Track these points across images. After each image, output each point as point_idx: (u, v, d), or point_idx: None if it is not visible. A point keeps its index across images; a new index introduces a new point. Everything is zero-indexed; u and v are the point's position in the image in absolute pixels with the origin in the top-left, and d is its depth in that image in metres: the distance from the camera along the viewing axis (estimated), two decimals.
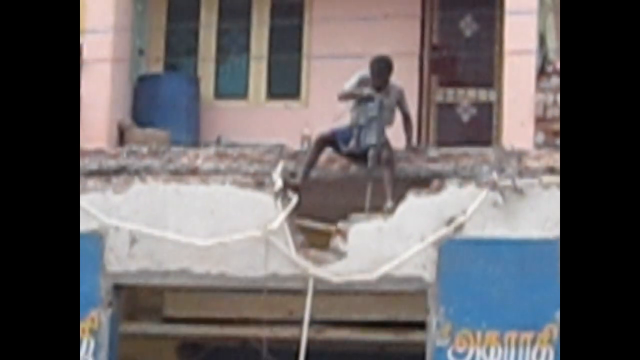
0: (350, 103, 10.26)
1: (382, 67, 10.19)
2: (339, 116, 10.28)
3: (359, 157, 10.03)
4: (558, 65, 11.05)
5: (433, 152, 10.49)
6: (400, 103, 10.31)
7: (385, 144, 10.08)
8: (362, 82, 10.22)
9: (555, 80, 10.98)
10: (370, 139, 9.95)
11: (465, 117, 12.23)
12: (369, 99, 10.12)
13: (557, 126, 10.68)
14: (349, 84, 10.26)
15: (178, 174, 10.26)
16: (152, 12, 12.65)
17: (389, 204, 9.65)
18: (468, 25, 12.31)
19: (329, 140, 10.14)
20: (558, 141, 10.49)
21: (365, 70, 10.23)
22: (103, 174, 10.31)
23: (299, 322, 9.79)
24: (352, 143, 10.01)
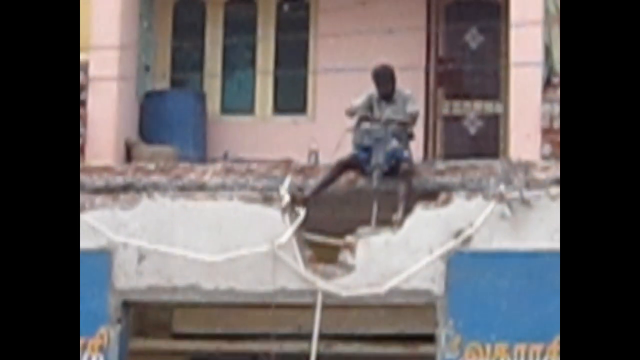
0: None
1: (384, 76, 10.19)
2: (348, 130, 10.27)
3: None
4: None
5: (440, 165, 10.49)
6: (406, 106, 10.25)
7: (406, 158, 10.07)
8: (370, 100, 10.20)
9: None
10: (377, 160, 9.93)
11: (472, 130, 12.23)
12: (367, 119, 10.11)
13: None
14: (357, 102, 10.25)
15: (185, 190, 10.23)
16: (157, 28, 12.68)
17: (399, 215, 9.59)
18: (473, 38, 12.32)
19: (350, 165, 10.12)
20: None
21: (373, 89, 10.23)
22: (110, 190, 10.29)
23: (308, 337, 9.73)
24: (379, 172, 9.95)
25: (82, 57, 11.24)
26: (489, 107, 12.24)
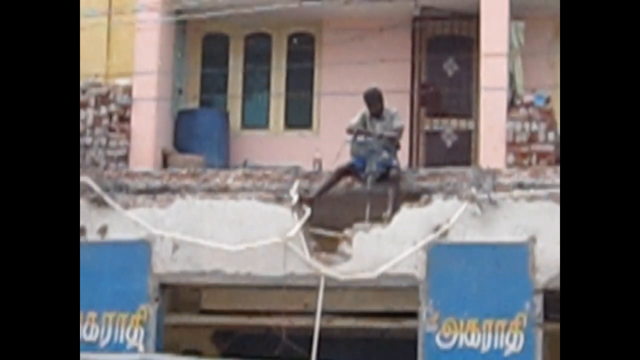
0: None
1: (373, 97, 10.26)
2: (347, 143, 10.34)
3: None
4: (525, 99, 11.14)
5: (422, 171, 10.57)
6: (393, 122, 10.34)
7: (394, 166, 10.13)
8: (364, 118, 10.29)
9: (523, 112, 11.04)
10: (371, 168, 10.01)
11: (449, 143, 12.10)
12: (362, 134, 10.20)
13: (524, 149, 10.87)
14: (353, 121, 10.31)
15: (211, 192, 10.30)
16: (189, 57, 12.64)
17: (388, 213, 9.72)
18: (450, 67, 12.21)
19: (348, 171, 10.19)
20: (526, 161, 10.75)
21: (366, 108, 10.34)
22: (150, 192, 10.39)
23: (312, 313, 9.82)
24: (372, 178, 10.01)
25: (127, 81, 11.68)
26: (463, 124, 12.08)
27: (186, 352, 11.33)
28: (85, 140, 11.49)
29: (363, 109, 10.35)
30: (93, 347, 10.10)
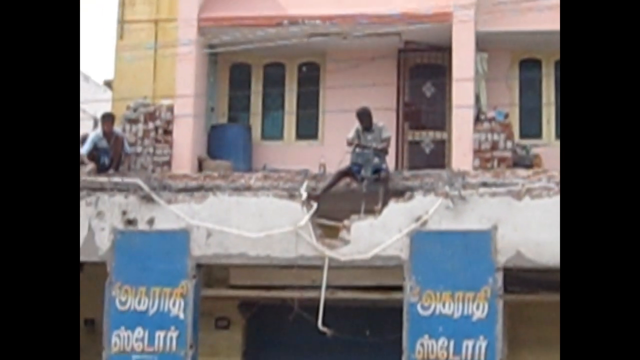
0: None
1: (363, 115, 10.38)
2: (347, 152, 10.46)
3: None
4: (488, 115, 11.27)
5: (406, 173, 10.76)
6: (381, 134, 10.40)
7: (384, 169, 10.20)
8: (357, 131, 10.41)
9: (487, 125, 11.18)
10: (366, 173, 10.15)
11: (427, 150, 12.09)
12: (359, 146, 10.31)
13: (488, 155, 11.01)
14: (350, 135, 10.44)
15: (237, 190, 10.44)
16: (219, 82, 12.62)
17: (379, 206, 9.88)
18: (428, 89, 12.21)
19: (347, 174, 10.28)
20: (489, 165, 10.91)
21: (358, 124, 10.47)
22: (188, 190, 10.54)
23: (318, 287, 9.98)
24: (362, 173, 10.14)
25: (169, 102, 11.85)
26: (438, 135, 12.02)
27: (218, 319, 11.68)
28: (136, 149, 11.68)
29: (357, 124, 10.49)
30: (143, 315, 10.28)
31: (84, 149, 11.06)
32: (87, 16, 24.27)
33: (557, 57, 11.48)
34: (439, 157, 11.78)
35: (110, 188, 10.62)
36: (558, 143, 11.17)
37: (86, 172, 10.88)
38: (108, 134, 11.12)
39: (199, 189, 10.54)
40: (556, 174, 9.90)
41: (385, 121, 10.99)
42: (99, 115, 11.97)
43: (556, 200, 9.41)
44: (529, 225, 9.69)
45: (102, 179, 10.81)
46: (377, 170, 10.22)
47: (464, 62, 11.17)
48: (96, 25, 24.17)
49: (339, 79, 12.00)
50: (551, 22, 10.60)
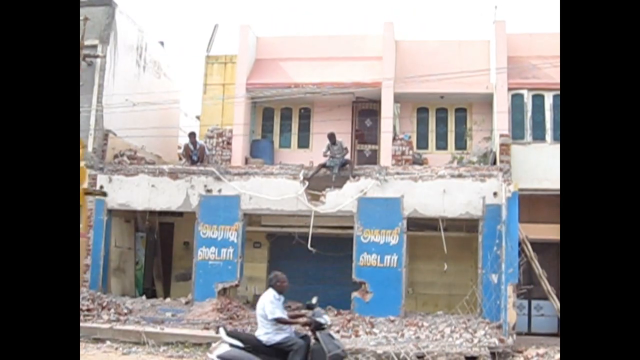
0: (327, 153, 9.89)
1: (331, 136, 9.86)
2: (324, 155, 9.91)
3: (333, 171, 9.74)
4: (400, 136, 10.71)
5: (356, 167, 10.09)
6: (344, 150, 9.93)
7: (350, 162, 9.72)
8: (328, 145, 9.90)
9: (398, 142, 10.53)
10: (335, 169, 9.66)
11: (367, 155, 11.30)
12: (331, 157, 9.72)
13: (399, 158, 10.44)
14: (324, 148, 9.96)
15: (266, 175, 9.93)
16: (256, 117, 11.82)
17: (343, 185, 9.53)
18: (368, 122, 11.40)
19: (324, 166, 9.78)
20: (400, 164, 10.26)
21: (327, 142, 9.94)
22: (239, 175, 9.92)
23: (308, 226, 9.58)
24: (335, 169, 9.61)
25: (230, 127, 11.25)
26: (374, 147, 11.27)
27: (254, 242, 11.27)
28: (212, 152, 11.27)
29: (328, 141, 10.02)
30: (215, 240, 9.84)
31: (181, 151, 11.16)
32: (189, 80, 23.30)
33: (439, 106, 11.41)
34: (372, 159, 11.32)
35: (198, 172, 10.21)
36: (439, 152, 11.15)
37: (182, 163, 10.72)
38: (193, 143, 10.84)
39: (245, 174, 10.11)
40: (436, 168, 9.70)
41: (345, 140, 10.81)
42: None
43: (437, 182, 9.35)
44: (420, 195, 9.50)
45: (194, 167, 10.40)
46: (343, 163, 9.79)
47: (387, 108, 10.72)
48: (192, 85, 23.30)
49: (321, 116, 11.55)
50: (434, 87, 10.51)
